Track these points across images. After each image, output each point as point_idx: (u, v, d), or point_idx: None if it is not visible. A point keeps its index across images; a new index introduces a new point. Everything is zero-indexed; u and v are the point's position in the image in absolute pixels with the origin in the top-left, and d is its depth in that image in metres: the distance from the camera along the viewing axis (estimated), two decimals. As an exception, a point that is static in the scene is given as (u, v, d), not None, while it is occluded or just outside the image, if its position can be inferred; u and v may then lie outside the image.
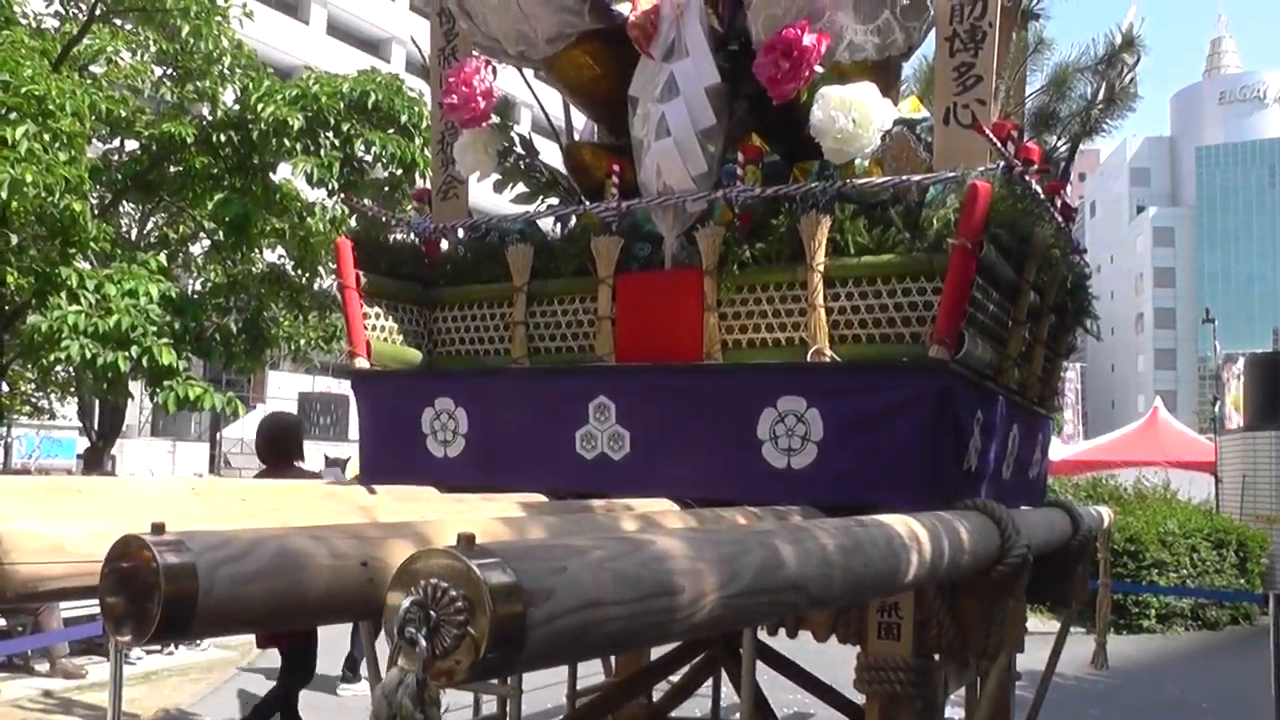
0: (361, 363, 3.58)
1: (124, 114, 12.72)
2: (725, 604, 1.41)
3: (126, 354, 10.64)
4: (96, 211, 12.54)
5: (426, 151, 11.43)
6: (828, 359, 3.00)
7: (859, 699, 3.21)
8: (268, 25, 31.22)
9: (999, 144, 2.91)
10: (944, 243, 2.84)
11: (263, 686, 9.56)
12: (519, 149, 3.89)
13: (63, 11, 13.74)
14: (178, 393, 11.16)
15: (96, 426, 14.53)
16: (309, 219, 13.37)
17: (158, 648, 10.53)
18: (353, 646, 9.51)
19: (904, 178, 3.06)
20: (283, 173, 13.22)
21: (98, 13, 13.21)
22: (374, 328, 3.64)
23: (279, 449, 6.97)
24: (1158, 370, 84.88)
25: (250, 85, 12.53)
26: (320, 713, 8.38)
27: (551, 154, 4.09)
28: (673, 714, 4.98)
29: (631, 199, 3.36)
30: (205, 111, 13.44)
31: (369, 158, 12.69)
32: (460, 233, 3.88)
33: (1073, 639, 4.66)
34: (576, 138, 4.20)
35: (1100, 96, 4.53)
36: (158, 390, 11.36)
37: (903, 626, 3.03)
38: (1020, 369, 3.46)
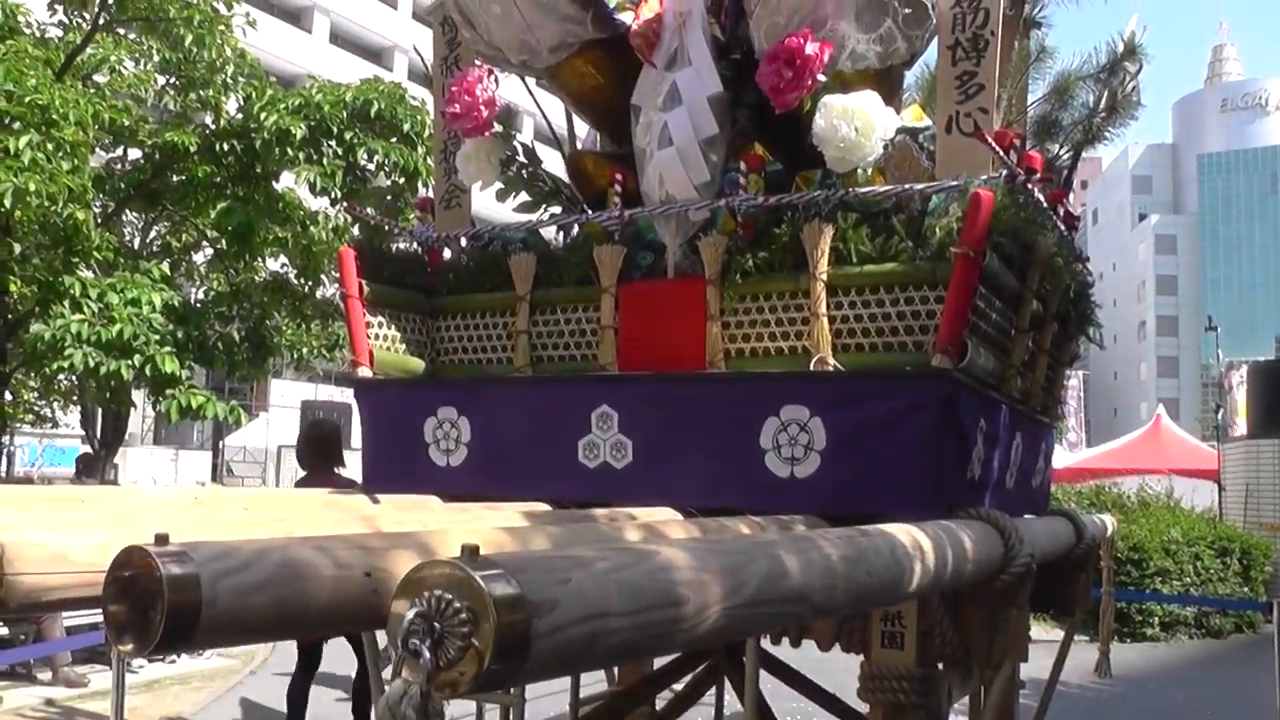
0: (364, 371, 3.58)
1: (127, 123, 12.74)
2: (729, 614, 1.40)
3: (129, 362, 10.65)
4: (99, 220, 12.56)
5: (429, 160, 11.43)
6: (831, 368, 3.00)
7: (863, 708, 3.20)
8: (270, 34, 31.30)
9: (1001, 152, 2.91)
10: (947, 251, 2.84)
11: (264, 694, 9.56)
12: (521, 158, 3.89)
13: (66, 21, 13.76)
14: (180, 401, 11.17)
15: (99, 435, 14.53)
16: (312, 228, 13.38)
17: (160, 656, 10.53)
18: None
19: (906, 186, 3.06)
20: (285, 181, 13.23)
21: (101, 22, 13.23)
22: (377, 336, 3.64)
23: (319, 455, 7.02)
24: (1160, 378, 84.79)
25: (253, 94, 12.55)
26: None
27: (554, 163, 4.09)
28: (676, 723, 4.97)
29: (634, 208, 3.36)
30: (208, 120, 13.46)
31: (372, 166, 12.71)
32: (463, 241, 3.88)
33: (1076, 647, 4.65)
34: (579, 146, 4.20)
35: (1102, 105, 4.53)
36: (160, 399, 11.37)
37: (906, 635, 3.03)
38: (1023, 378, 3.46)
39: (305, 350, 15.42)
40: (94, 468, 13.16)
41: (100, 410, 14.49)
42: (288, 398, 33.46)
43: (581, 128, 4.27)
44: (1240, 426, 22.93)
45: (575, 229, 3.73)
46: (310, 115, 12.16)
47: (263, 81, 13.16)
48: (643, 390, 3.26)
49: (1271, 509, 16.73)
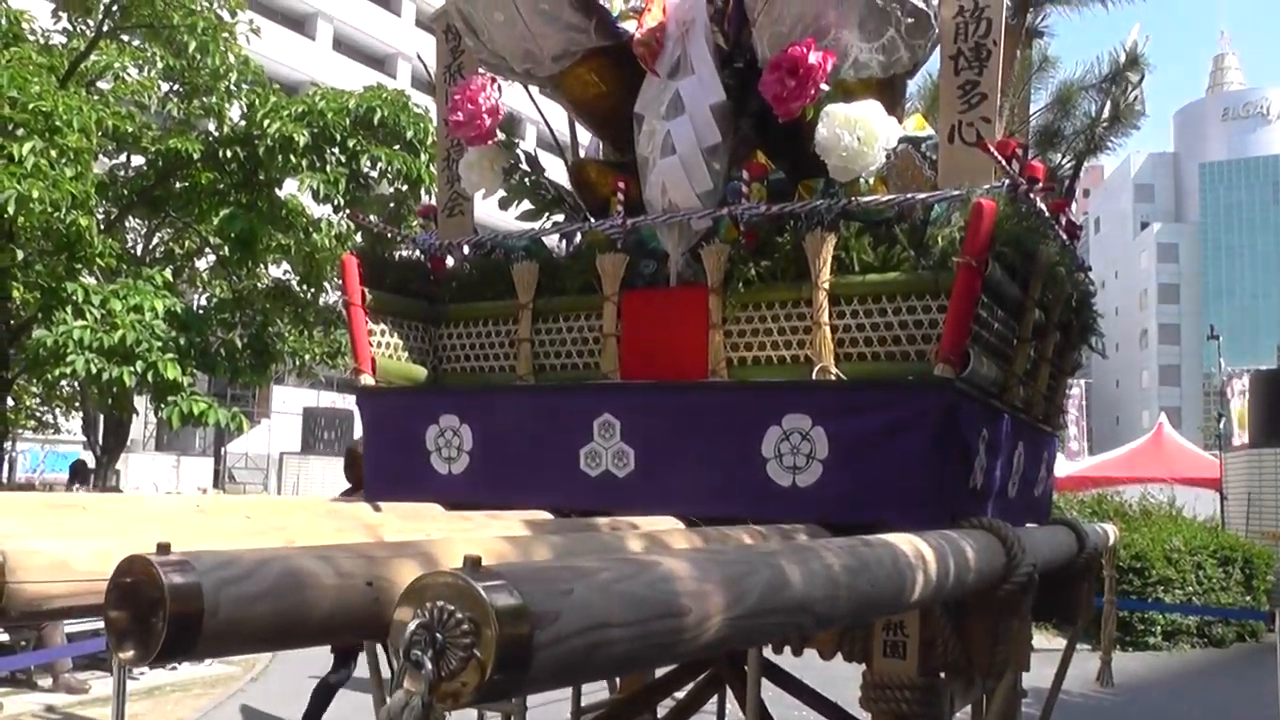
0: (366, 379, 3.58)
1: (130, 130, 12.78)
2: (731, 625, 1.40)
3: (131, 369, 10.67)
4: (103, 227, 12.58)
5: (432, 168, 11.45)
6: (833, 377, 3.00)
7: (865, 717, 3.19)
8: (274, 41, 31.37)
9: (1004, 162, 2.91)
10: (949, 261, 2.84)
11: (266, 701, 9.56)
12: (524, 166, 3.90)
13: (70, 28, 13.81)
14: (182, 408, 11.19)
15: (101, 441, 14.54)
16: (314, 234, 13.41)
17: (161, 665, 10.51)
18: None
19: (909, 195, 3.06)
20: (289, 188, 13.26)
21: (105, 29, 13.27)
22: (379, 344, 3.64)
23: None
24: (1162, 386, 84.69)
25: (256, 101, 12.58)
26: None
27: (557, 171, 4.09)
28: (677, 731, 4.96)
29: (637, 216, 3.37)
30: (211, 127, 13.50)
31: (374, 174, 12.73)
32: (466, 249, 3.89)
33: (1078, 656, 4.64)
34: (582, 155, 4.21)
35: (1105, 114, 4.53)
36: (162, 405, 11.38)
37: (909, 645, 3.02)
38: (1025, 387, 3.46)
39: (307, 357, 15.46)
40: (86, 475, 13.17)
41: (102, 416, 14.51)
42: (290, 404, 33.52)
43: (584, 136, 4.27)
44: (1242, 435, 22.92)
45: (578, 237, 3.74)
46: (313, 122, 12.19)
47: (266, 88, 13.20)
48: (645, 399, 3.25)
49: (1274, 518, 16.70)
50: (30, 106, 10.16)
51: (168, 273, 12.76)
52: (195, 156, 12.64)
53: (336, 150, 12.46)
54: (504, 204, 3.95)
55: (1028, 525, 3.71)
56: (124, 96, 13.66)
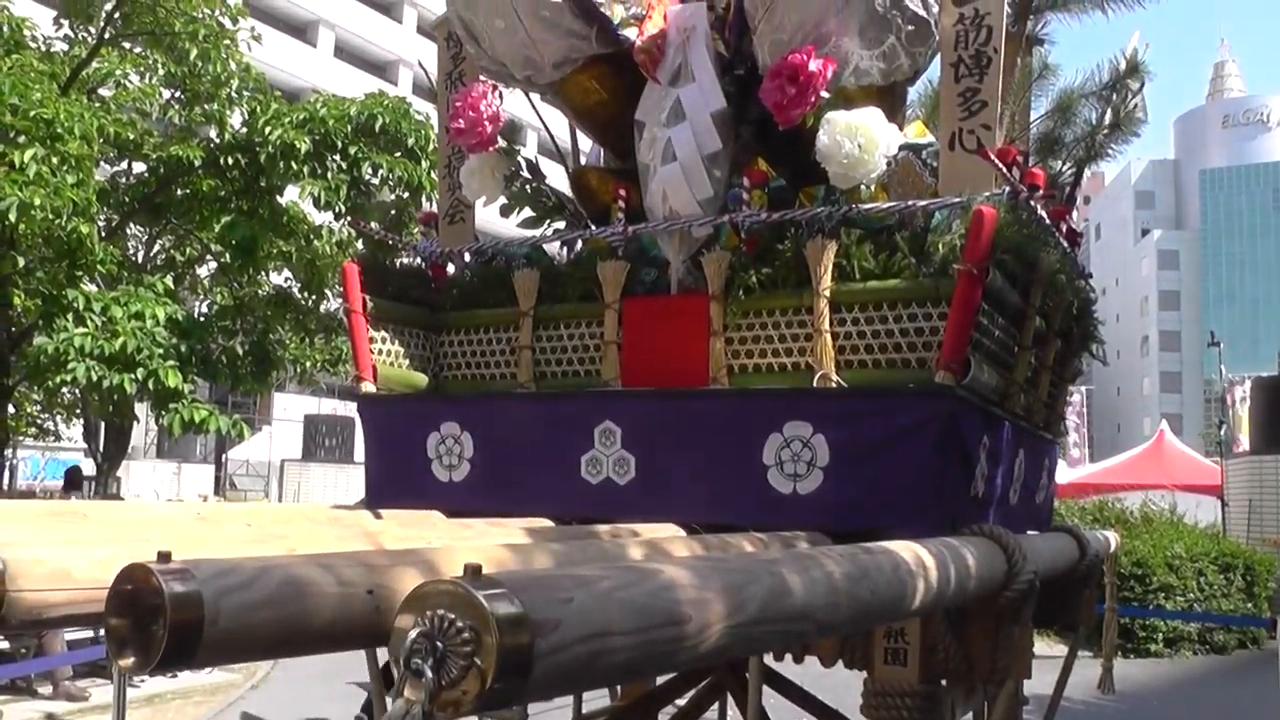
0: (368, 387, 3.58)
1: (132, 137, 12.79)
2: (732, 633, 1.40)
3: (132, 376, 10.67)
4: (104, 234, 12.59)
5: (433, 175, 11.47)
6: (834, 384, 3.00)
7: (866, 725, 3.19)
8: (275, 48, 31.40)
9: (1004, 169, 2.91)
10: (950, 268, 2.84)
11: (266, 709, 9.55)
12: (525, 173, 3.90)
13: (72, 35, 13.83)
14: (183, 415, 11.18)
15: (102, 448, 14.55)
16: (316, 241, 13.42)
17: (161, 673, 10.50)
18: None
19: (910, 203, 3.06)
20: (290, 195, 13.27)
21: (106, 36, 13.29)
22: (380, 352, 3.64)
23: None
24: (1163, 393, 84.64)
25: (258, 108, 12.60)
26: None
27: (558, 178, 4.10)
28: (678, 739, 4.95)
29: (637, 223, 3.37)
30: (213, 134, 13.51)
31: (376, 181, 12.74)
32: (467, 257, 3.89)
33: (1080, 663, 4.63)
34: (583, 162, 4.21)
35: (1105, 121, 4.54)
36: (163, 412, 11.38)
37: (910, 652, 3.02)
38: (1026, 394, 3.46)
39: (309, 364, 15.47)
40: (81, 482, 13.16)
41: (103, 424, 14.51)
42: (291, 411, 33.51)
43: (585, 143, 4.28)
44: (1243, 442, 22.92)
45: (579, 244, 3.74)
46: (315, 129, 12.20)
47: (267, 95, 13.22)
48: (646, 406, 3.25)
49: (1275, 524, 16.70)
50: (32, 114, 10.17)
51: (169, 280, 12.76)
52: (196, 163, 12.65)
53: (338, 157, 12.47)
54: (505, 211, 3.96)
55: (1029, 532, 3.71)
56: (125, 104, 13.68)
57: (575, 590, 1.19)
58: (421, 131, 12.55)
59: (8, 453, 18.69)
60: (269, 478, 30.54)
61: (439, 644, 1.09)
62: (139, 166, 14.03)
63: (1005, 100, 3.22)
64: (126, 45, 13.92)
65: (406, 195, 12.85)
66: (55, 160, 10.23)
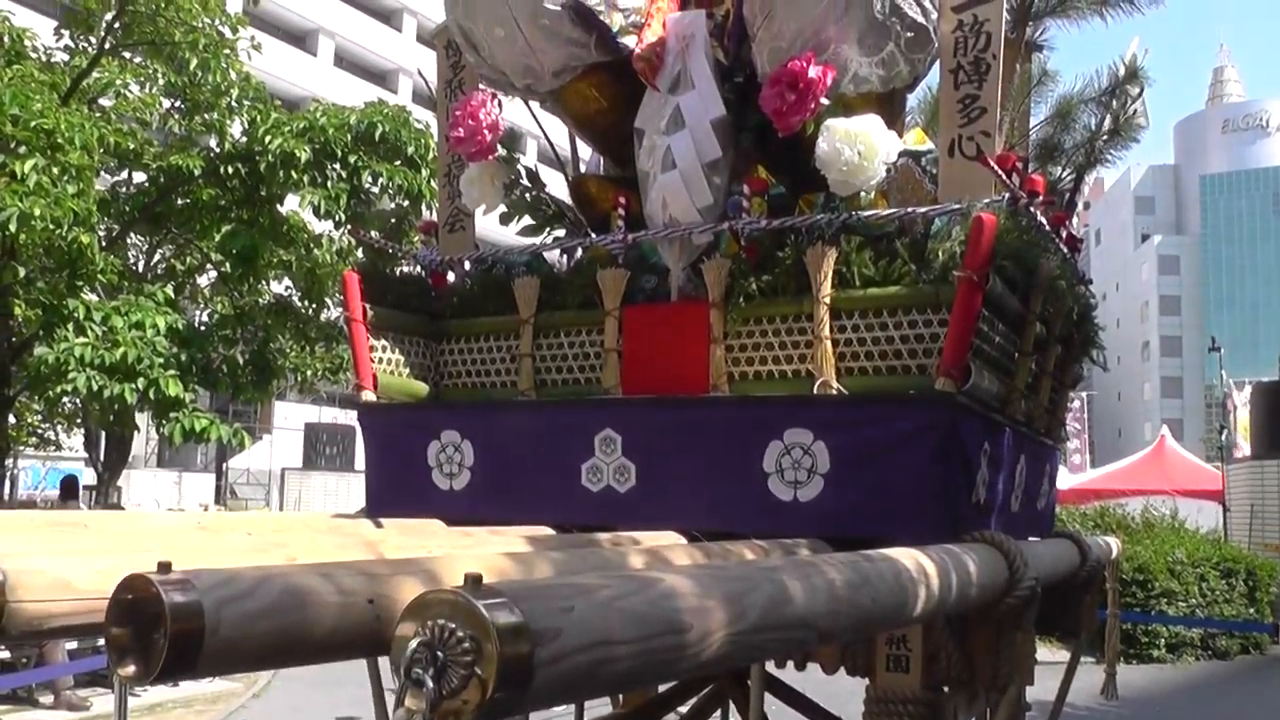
0: (368, 395, 3.58)
1: (132, 146, 12.81)
2: (733, 641, 1.40)
3: (133, 386, 10.67)
4: (104, 243, 12.60)
5: (433, 183, 11.48)
6: (834, 391, 2.99)
7: (868, 732, 3.18)
8: (275, 57, 31.44)
9: (1004, 176, 2.91)
10: (950, 274, 2.84)
11: (268, 717, 9.54)
12: (525, 181, 3.90)
13: (72, 45, 13.85)
14: (184, 424, 11.18)
15: (102, 458, 14.54)
16: (316, 250, 13.43)
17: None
18: None
19: (909, 209, 3.06)
20: (290, 204, 13.28)
21: (107, 46, 13.31)
22: (381, 360, 3.64)
23: None
24: (1164, 398, 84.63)
25: (258, 117, 12.61)
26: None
27: (558, 186, 4.10)
28: (680, 746, 4.94)
29: (637, 231, 3.37)
30: (213, 144, 13.52)
31: (376, 189, 12.74)
32: (467, 265, 3.89)
33: (1082, 669, 4.62)
34: (582, 170, 4.22)
35: (1105, 127, 4.54)
36: (164, 421, 11.38)
37: (911, 659, 3.01)
38: (1027, 400, 3.45)
39: (309, 373, 15.47)
40: (77, 491, 13.15)
41: (104, 433, 14.51)
42: (291, 420, 33.51)
43: (585, 151, 4.28)
44: (1244, 447, 22.91)
45: (579, 252, 3.74)
46: (315, 138, 12.21)
47: (267, 105, 13.23)
48: (646, 414, 3.25)
49: (1276, 530, 16.68)
50: (32, 124, 10.19)
51: (169, 289, 12.77)
52: (197, 173, 12.66)
53: (338, 166, 12.48)
54: (505, 219, 3.96)
55: (1030, 539, 3.70)
56: (126, 113, 13.71)
57: (576, 599, 1.19)
58: (421, 140, 12.56)
59: (8, 462, 18.70)
60: (270, 486, 30.52)
61: (440, 654, 1.09)
62: (139, 176, 14.06)
63: (1004, 106, 3.22)
64: (127, 55, 13.95)
65: (406, 203, 12.87)
66: (56, 170, 10.25)
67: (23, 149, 10.13)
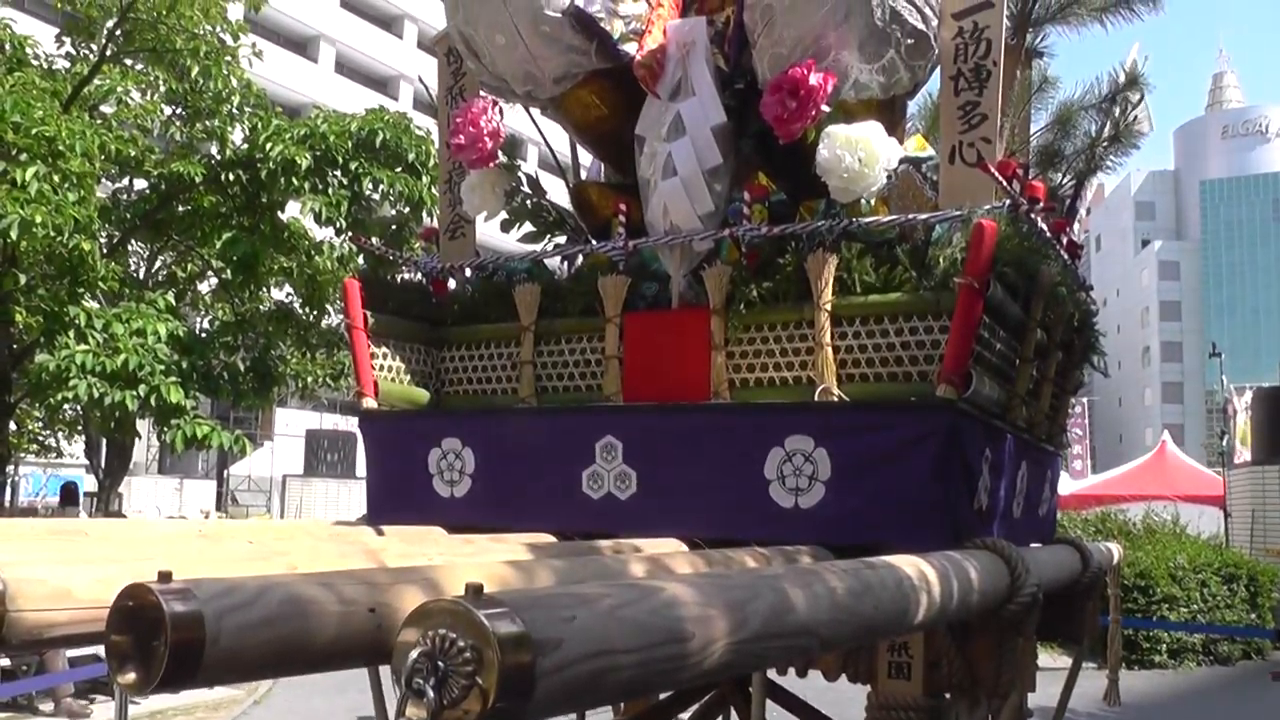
0: (369, 402, 3.58)
1: (133, 153, 12.80)
2: (735, 649, 1.40)
3: (134, 393, 10.66)
4: (105, 251, 12.60)
5: (434, 190, 11.47)
6: (835, 398, 2.99)
7: (870, 739, 3.17)
8: (276, 64, 31.46)
9: (1004, 182, 2.91)
10: (950, 281, 2.84)
11: (269, 726, 9.52)
12: (526, 188, 3.90)
13: (74, 52, 13.86)
14: (185, 431, 11.17)
15: (104, 465, 14.53)
16: (317, 257, 13.42)
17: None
18: None
19: (910, 216, 3.07)
20: (291, 211, 13.28)
21: (108, 53, 13.32)
22: (382, 367, 3.64)
23: None
24: (1165, 403, 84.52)
25: (259, 124, 12.61)
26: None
27: (558, 193, 4.10)
28: (682, 754, 4.93)
29: (638, 238, 3.37)
30: (214, 151, 13.53)
31: (376, 196, 12.74)
32: (468, 272, 3.89)
33: (1085, 675, 4.62)
34: (583, 177, 4.22)
35: (1105, 133, 4.54)
36: (165, 428, 11.37)
37: (913, 666, 3.01)
38: (1028, 407, 3.45)
39: (310, 379, 15.46)
40: (77, 497, 13.14)
41: (105, 440, 14.50)
42: (293, 427, 33.49)
43: (585, 158, 4.28)
44: (1245, 452, 22.89)
45: (580, 259, 3.74)
46: (315, 145, 12.21)
47: (268, 111, 13.23)
48: (647, 421, 3.25)
49: (1278, 535, 16.65)
50: (33, 131, 10.19)
51: (170, 296, 12.76)
52: (197, 180, 12.67)
53: (338, 173, 12.48)
54: (505, 226, 3.96)
55: (1032, 545, 3.70)
56: (127, 120, 13.70)
57: (577, 608, 1.19)
58: (422, 147, 12.56)
59: (9, 470, 18.70)
60: (271, 493, 30.51)
61: (441, 663, 1.09)
62: (140, 183, 14.06)
63: (1005, 113, 3.22)
64: (128, 62, 13.95)
65: (407, 210, 12.86)
66: (57, 178, 10.25)
67: (24, 156, 10.13)
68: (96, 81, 13.09)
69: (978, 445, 2.97)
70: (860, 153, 2.98)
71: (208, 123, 13.50)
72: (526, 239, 3.99)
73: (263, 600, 1.37)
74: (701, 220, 3.26)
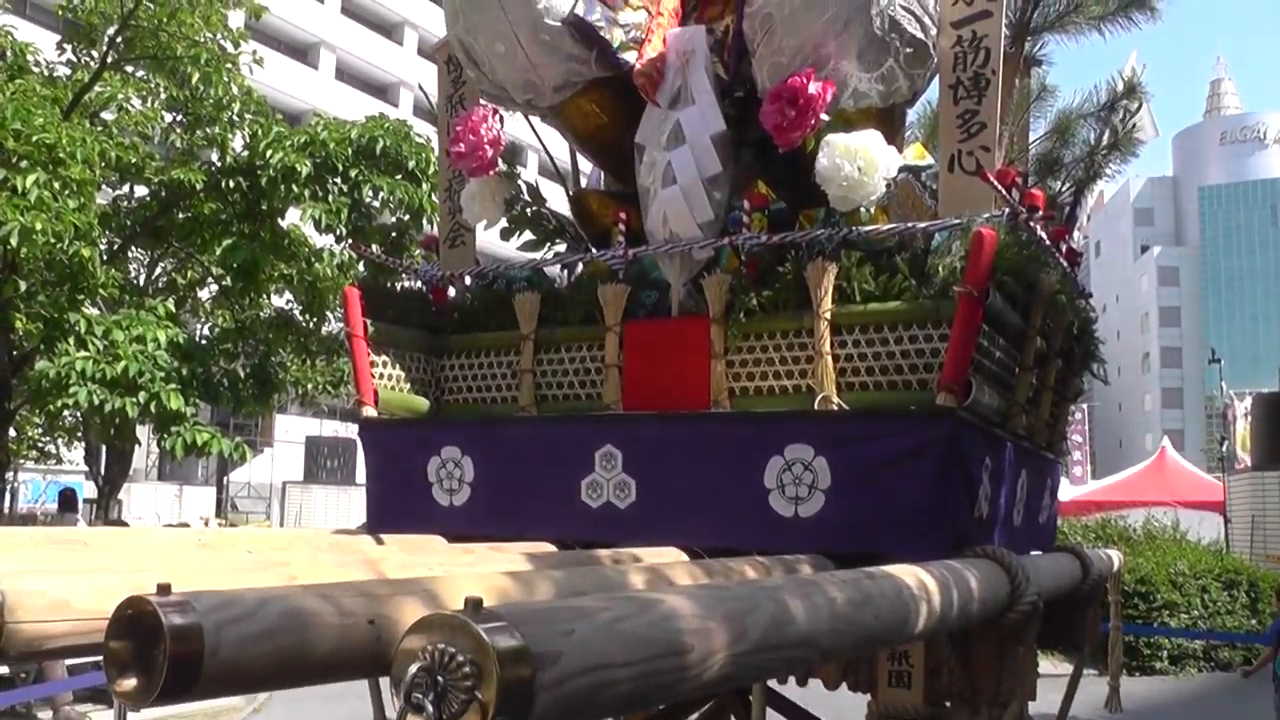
0: (369, 411, 3.57)
1: (134, 160, 12.81)
2: (735, 662, 1.40)
3: (134, 399, 10.67)
4: (105, 258, 12.60)
5: (434, 197, 11.48)
6: (835, 407, 2.99)
7: (870, 748, 3.17)
8: (277, 71, 31.47)
9: (1004, 190, 2.91)
10: (950, 290, 2.84)
11: (268, 734, 9.49)
12: (526, 197, 3.90)
13: (74, 59, 13.87)
14: (185, 437, 11.18)
15: (103, 471, 14.53)
16: (317, 264, 13.43)
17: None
18: None
19: (909, 224, 3.07)
20: (291, 218, 13.29)
21: (109, 61, 13.34)
22: (381, 376, 3.64)
23: None
24: (1165, 409, 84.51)
25: (259, 131, 12.63)
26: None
27: (558, 201, 4.10)
28: (681, 762, 4.92)
29: (638, 246, 3.37)
30: (214, 158, 13.54)
31: (377, 203, 12.75)
32: (467, 280, 3.89)
33: (1086, 681, 4.61)
34: (583, 185, 4.22)
35: (1104, 141, 4.55)
36: (165, 435, 11.38)
37: (914, 674, 3.01)
38: (1028, 415, 3.45)
39: (310, 386, 15.46)
40: (75, 503, 13.13)
41: (105, 447, 14.49)
42: (293, 433, 33.50)
43: (585, 166, 4.29)
44: (1245, 458, 22.89)
45: (579, 267, 3.74)
46: (316, 152, 12.22)
47: (269, 119, 13.25)
48: (647, 430, 3.25)
49: (1278, 541, 16.64)
50: (34, 138, 10.20)
51: (170, 303, 12.78)
52: (198, 187, 12.68)
53: (339, 180, 12.49)
54: (506, 234, 3.96)
55: (1032, 553, 3.70)
56: (127, 127, 13.71)
57: (576, 622, 1.19)
58: (422, 154, 12.57)
59: (9, 476, 18.69)
60: (271, 500, 30.49)
61: (440, 678, 1.09)
62: (141, 190, 14.07)
63: (1004, 121, 3.22)
64: (129, 69, 13.97)
65: (407, 218, 12.87)
66: (57, 185, 10.26)
67: (24, 163, 10.13)
68: (97, 88, 13.11)
69: (978, 453, 2.97)
70: (859, 161, 2.98)
71: (208, 130, 13.52)
72: (526, 247, 3.99)
73: (262, 613, 1.37)
74: (701, 229, 3.26)
